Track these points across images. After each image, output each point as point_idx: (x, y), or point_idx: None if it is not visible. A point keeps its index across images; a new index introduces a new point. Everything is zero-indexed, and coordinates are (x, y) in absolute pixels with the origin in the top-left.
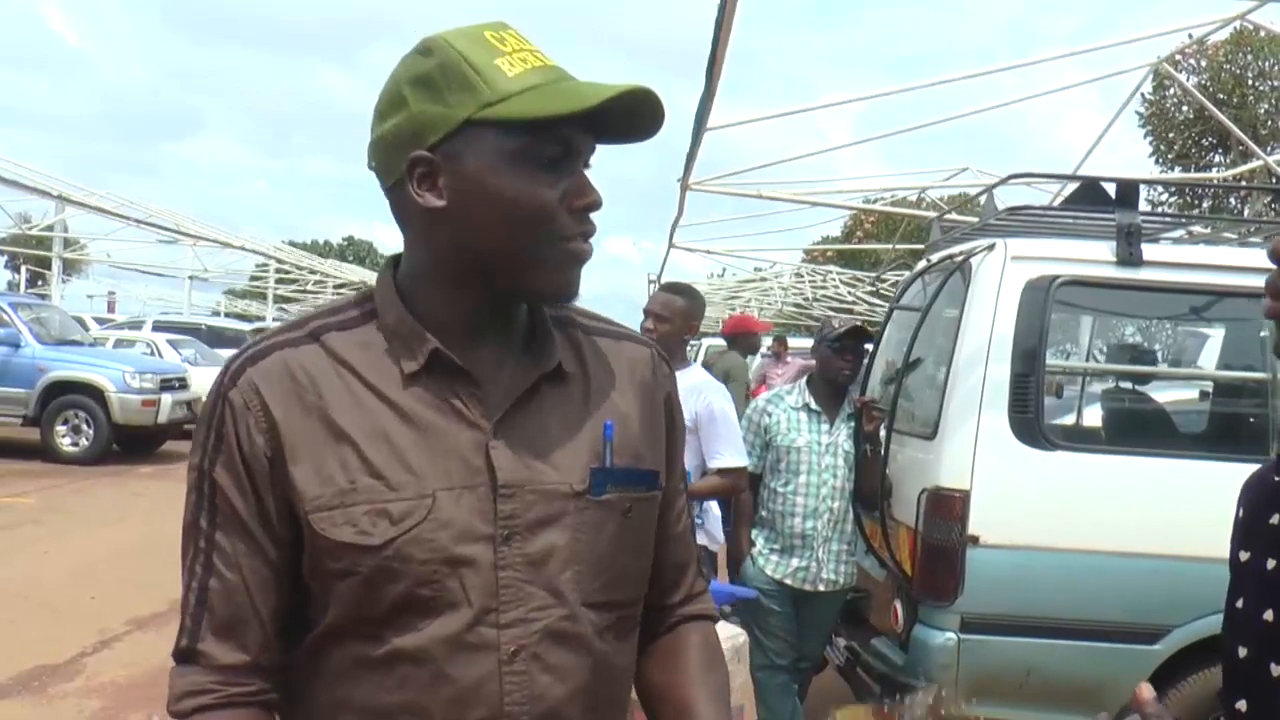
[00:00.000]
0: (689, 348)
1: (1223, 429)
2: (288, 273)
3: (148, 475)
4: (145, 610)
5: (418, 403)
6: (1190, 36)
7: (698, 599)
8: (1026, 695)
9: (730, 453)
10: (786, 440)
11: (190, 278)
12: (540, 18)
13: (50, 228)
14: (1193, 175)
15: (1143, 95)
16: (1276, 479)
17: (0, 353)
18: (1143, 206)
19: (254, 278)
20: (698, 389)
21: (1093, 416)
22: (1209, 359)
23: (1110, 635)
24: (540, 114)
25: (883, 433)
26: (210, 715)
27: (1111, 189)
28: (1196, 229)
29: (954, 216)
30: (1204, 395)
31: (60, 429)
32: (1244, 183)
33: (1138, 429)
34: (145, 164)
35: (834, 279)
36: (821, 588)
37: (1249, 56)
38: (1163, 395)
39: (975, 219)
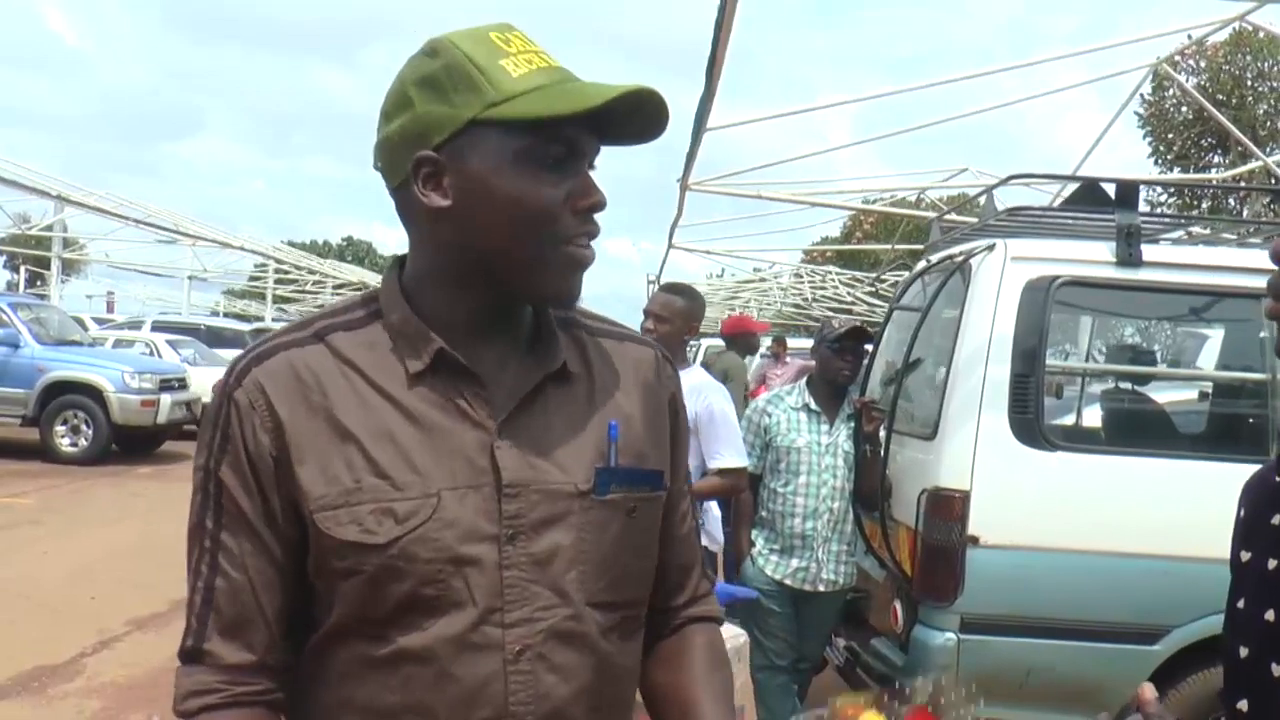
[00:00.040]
0: (688, 348)
1: (1222, 429)
2: (287, 273)
3: (147, 475)
4: (144, 610)
5: (423, 402)
6: (1189, 37)
7: (702, 601)
8: (1026, 696)
9: (730, 453)
10: (786, 441)
11: (189, 278)
12: (540, 18)
13: (49, 228)
14: (1192, 176)
15: (1142, 96)
16: (1277, 479)
17: None
18: (1142, 207)
19: (253, 278)
20: (698, 389)
21: (1092, 417)
22: (1208, 359)
23: (1110, 636)
24: (544, 113)
25: (882, 433)
26: (216, 714)
27: (1111, 190)
28: (1196, 230)
29: (954, 217)
30: (1203, 396)
31: (59, 429)
32: (1243, 183)
33: (1137, 429)
34: (144, 164)
35: (833, 279)
36: (821, 588)
37: (1248, 57)
38: (1162, 396)
39: (975, 219)
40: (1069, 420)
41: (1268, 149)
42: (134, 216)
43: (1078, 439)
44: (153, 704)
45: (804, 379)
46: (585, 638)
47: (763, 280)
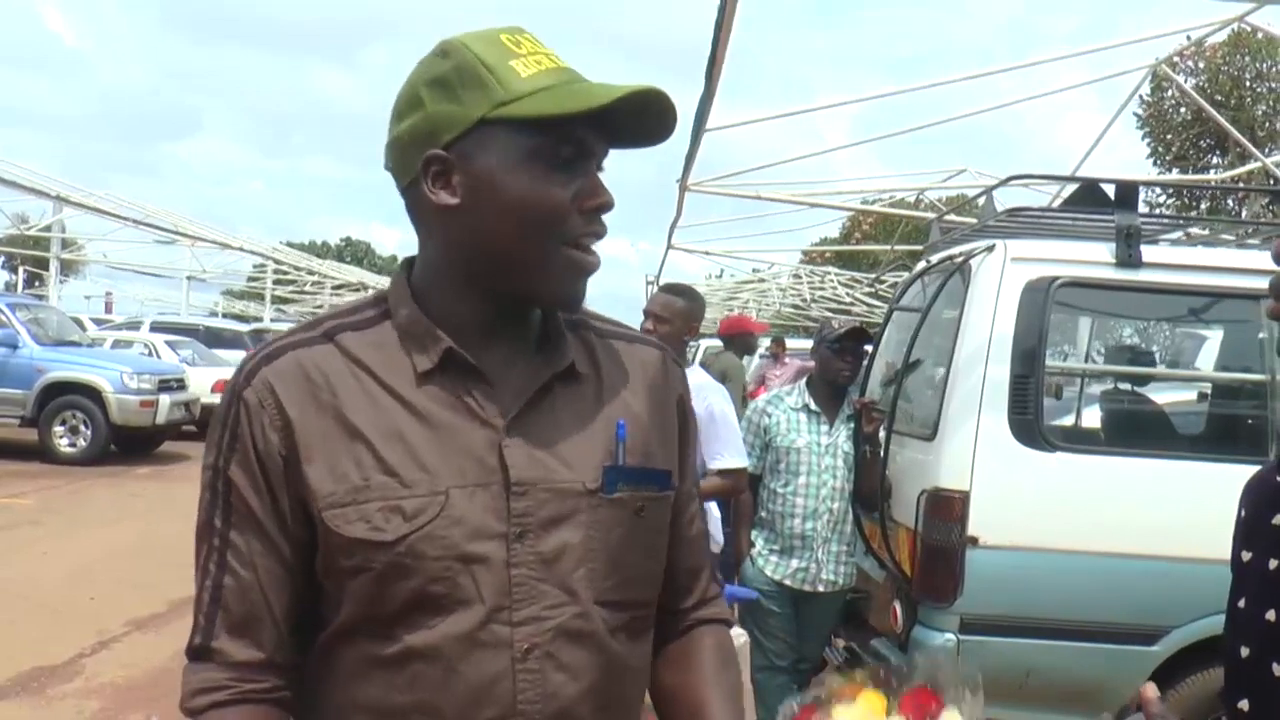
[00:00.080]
0: (687, 349)
1: (1221, 430)
2: (285, 273)
3: (145, 476)
4: (143, 611)
5: (431, 401)
6: (1188, 38)
7: (711, 603)
8: (1026, 696)
9: (730, 453)
10: (786, 441)
11: (188, 278)
12: (540, 18)
13: (48, 228)
14: (1191, 177)
15: (1140, 97)
16: (1278, 479)
17: None
18: (1140, 208)
19: (251, 278)
20: (698, 390)
21: (1092, 418)
22: (1207, 360)
23: (1109, 636)
24: (552, 112)
25: (882, 434)
26: (225, 711)
27: (1110, 190)
28: (1194, 230)
29: (953, 218)
30: (1202, 397)
31: (58, 430)
32: (1241, 184)
33: (1137, 430)
34: (143, 164)
35: (832, 280)
36: (821, 588)
37: (1246, 58)
38: (1161, 397)
39: (974, 220)
40: (1068, 421)
41: (1266, 150)
42: (132, 217)
43: (1077, 440)
44: (152, 704)
45: (804, 379)
46: (593, 636)
47: (762, 281)
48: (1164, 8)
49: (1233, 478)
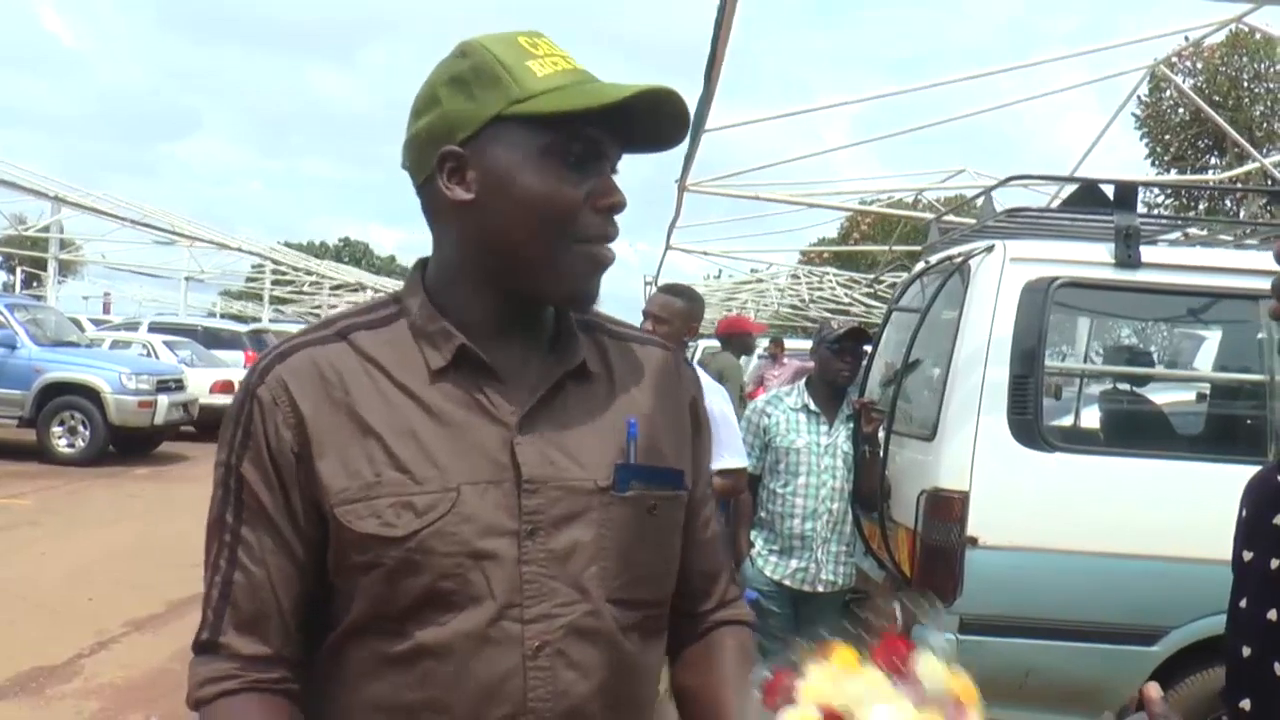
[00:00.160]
0: (686, 349)
1: (1220, 431)
2: (284, 274)
3: (144, 477)
4: (142, 612)
5: (444, 399)
6: (1186, 39)
7: (732, 605)
8: (1026, 696)
9: (729, 454)
10: (786, 441)
11: (186, 279)
12: (540, 18)
13: (46, 229)
14: (1189, 178)
15: (1139, 98)
16: (1279, 479)
17: None
18: (1139, 208)
19: (250, 279)
20: None
21: (1091, 418)
22: (1205, 361)
23: (1109, 636)
24: (566, 109)
25: (882, 434)
26: (233, 699)
27: (1110, 191)
28: (1193, 231)
29: (952, 218)
30: (1201, 397)
31: (56, 430)
32: (1240, 185)
33: (1136, 431)
34: (141, 164)
35: (830, 280)
36: (820, 589)
37: (1245, 59)
38: (1161, 397)
39: (973, 220)
40: (1068, 421)
41: (1264, 150)
42: (131, 217)
43: (1076, 440)
44: (151, 705)
45: (803, 380)
46: (604, 635)
47: (760, 281)
48: (1162, 8)
49: (1231, 478)
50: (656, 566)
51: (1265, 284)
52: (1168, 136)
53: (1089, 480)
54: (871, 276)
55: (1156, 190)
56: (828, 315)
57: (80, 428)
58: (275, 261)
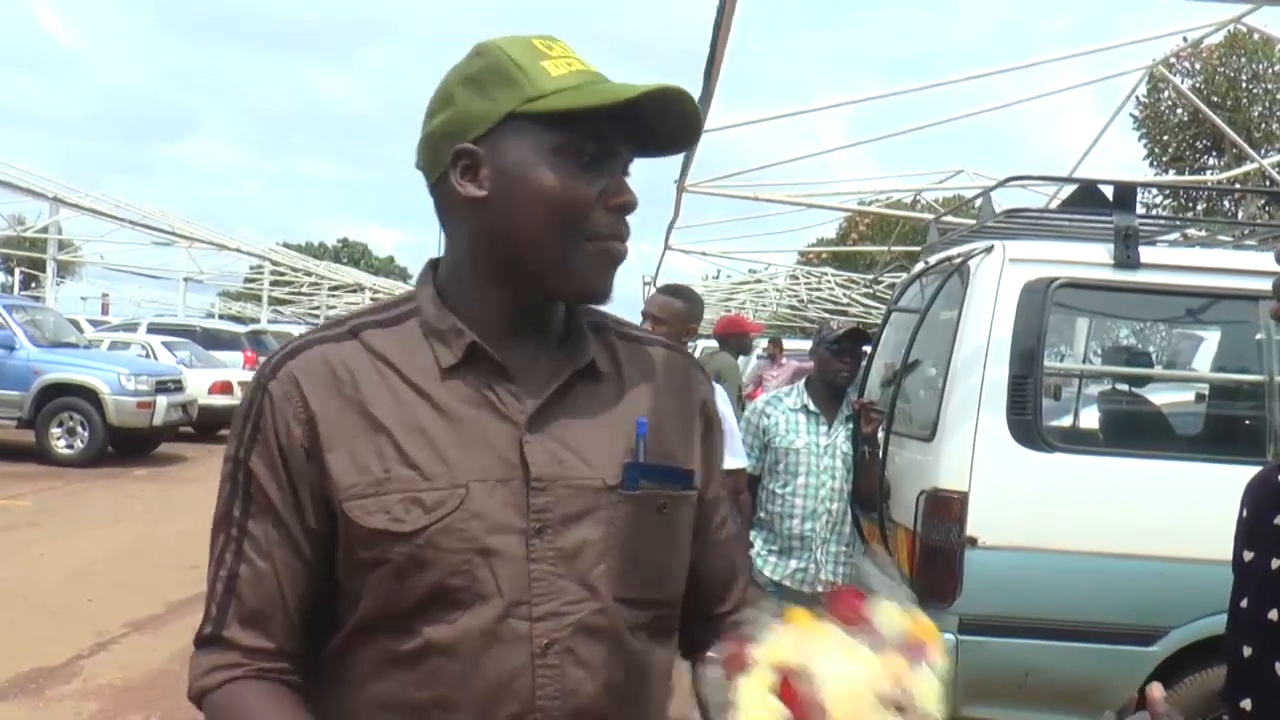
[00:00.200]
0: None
1: (1219, 431)
2: (282, 274)
3: (142, 478)
4: (142, 613)
5: (454, 396)
6: (1185, 39)
7: (750, 607)
8: (1025, 696)
9: (729, 454)
10: (785, 442)
11: (185, 279)
12: (540, 18)
13: (44, 229)
14: (1188, 178)
15: (1137, 98)
16: (1279, 480)
17: None
18: (1138, 209)
19: (249, 280)
20: None
21: (1090, 418)
22: (1204, 361)
23: (1108, 637)
24: (578, 106)
25: (881, 434)
26: (240, 685)
27: (1108, 192)
28: (1192, 231)
29: (951, 219)
30: (1200, 398)
31: (55, 431)
32: (1238, 185)
33: (1135, 431)
34: (140, 165)
35: (829, 281)
36: (820, 589)
37: (1243, 59)
38: (1160, 397)
39: (972, 221)
40: (1067, 421)
41: (1262, 151)
42: (129, 218)
43: (1076, 440)
44: (150, 706)
45: (803, 380)
46: (613, 633)
47: (759, 282)
48: (1161, 8)
49: (1231, 478)
50: (666, 566)
51: (1264, 284)
52: (1166, 137)
53: (1088, 480)
54: (870, 277)
55: (1155, 191)
56: (826, 316)
57: (79, 429)
58: (274, 262)
